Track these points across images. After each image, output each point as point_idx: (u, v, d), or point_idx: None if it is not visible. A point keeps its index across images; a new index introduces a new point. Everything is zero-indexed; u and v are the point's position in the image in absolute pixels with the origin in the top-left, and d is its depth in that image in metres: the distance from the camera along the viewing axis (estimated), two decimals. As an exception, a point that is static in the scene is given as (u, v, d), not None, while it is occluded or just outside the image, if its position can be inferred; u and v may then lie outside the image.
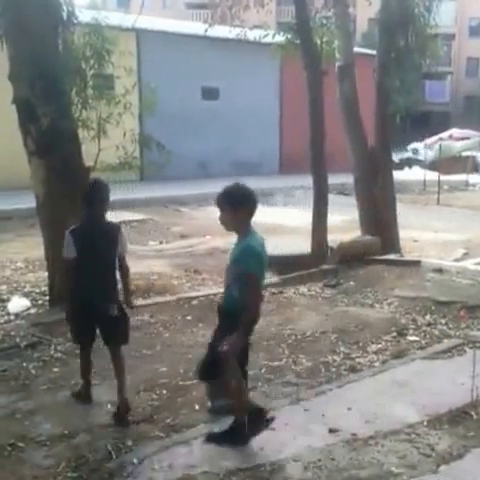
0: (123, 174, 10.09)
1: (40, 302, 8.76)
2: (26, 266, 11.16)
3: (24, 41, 8.15)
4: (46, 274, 8.70)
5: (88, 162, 8.70)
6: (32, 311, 8.46)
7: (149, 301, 8.83)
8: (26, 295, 9.07)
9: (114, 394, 5.80)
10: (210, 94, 28.67)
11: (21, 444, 5.00)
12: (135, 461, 4.62)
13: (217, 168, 26.66)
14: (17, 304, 8.63)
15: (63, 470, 4.60)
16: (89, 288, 5.41)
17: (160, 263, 11.15)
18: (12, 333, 7.42)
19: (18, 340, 7.21)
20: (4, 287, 9.60)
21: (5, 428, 5.27)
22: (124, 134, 9.65)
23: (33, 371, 6.45)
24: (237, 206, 4.68)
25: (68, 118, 8.49)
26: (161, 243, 13.56)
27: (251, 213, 4.75)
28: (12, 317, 8.24)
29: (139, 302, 8.77)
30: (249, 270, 4.58)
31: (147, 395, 5.81)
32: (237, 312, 4.61)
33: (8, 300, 8.85)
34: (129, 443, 4.97)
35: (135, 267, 10.59)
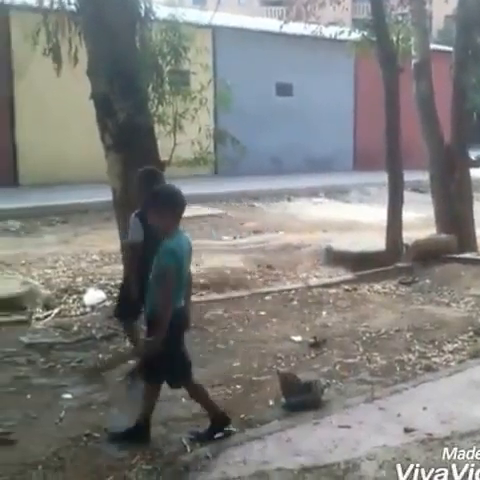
0: (197, 169, 10.17)
1: (115, 295, 8.84)
2: (101, 259, 11.32)
3: (102, 37, 8.26)
4: (121, 267, 8.79)
5: (163, 157, 8.75)
6: (107, 304, 8.54)
7: (223, 296, 8.86)
8: (101, 287, 9.18)
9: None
10: (284, 90, 28.56)
11: (97, 435, 5.08)
12: (209, 455, 4.62)
13: (290, 164, 26.58)
14: (93, 296, 8.76)
15: (137, 462, 4.64)
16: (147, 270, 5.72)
17: (234, 258, 11.16)
18: (88, 325, 7.56)
19: (94, 332, 7.34)
20: (80, 279, 9.74)
21: (81, 418, 5.37)
22: (199, 129, 9.71)
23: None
24: (162, 209, 4.76)
25: (145, 113, 8.58)
26: (235, 238, 13.58)
27: (177, 215, 4.82)
28: (88, 309, 8.36)
29: (213, 296, 8.84)
30: (164, 265, 4.71)
31: (221, 389, 5.82)
32: (154, 314, 4.80)
33: (84, 292, 8.98)
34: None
35: (209, 262, 10.70)
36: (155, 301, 4.81)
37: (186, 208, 4.83)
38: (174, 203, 4.81)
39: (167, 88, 9.21)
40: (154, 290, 4.84)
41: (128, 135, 8.30)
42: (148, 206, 4.86)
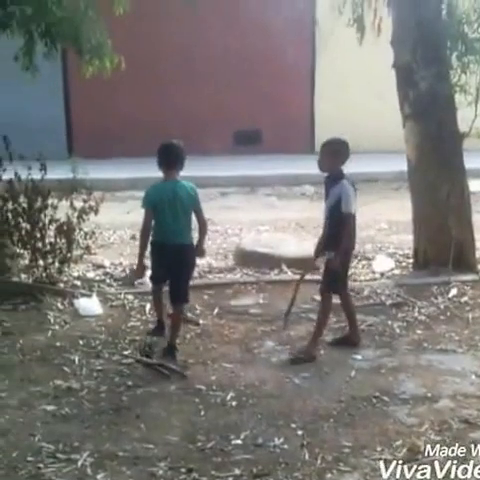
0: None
1: (403, 264, 8.86)
2: (389, 227, 11.33)
3: (408, 5, 8.27)
4: (410, 237, 8.79)
5: (462, 128, 8.56)
6: (396, 272, 8.61)
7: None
8: (390, 256, 9.23)
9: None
10: None
11: (385, 398, 5.19)
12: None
13: None
14: (382, 263, 8.84)
15: (426, 431, 4.68)
16: None
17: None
18: (378, 291, 7.65)
19: (383, 298, 7.44)
20: (369, 246, 9.81)
21: (371, 381, 5.52)
22: (503, 99, 9.28)
23: (397, 330, 6.62)
24: (158, 158, 5.92)
25: (446, 83, 8.44)
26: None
27: (166, 164, 5.90)
28: (377, 275, 8.48)
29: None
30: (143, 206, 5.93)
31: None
32: None
33: (373, 259, 9.10)
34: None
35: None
36: None
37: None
38: (162, 157, 5.89)
39: (471, 57, 8.93)
40: None
41: (427, 105, 8.25)
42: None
